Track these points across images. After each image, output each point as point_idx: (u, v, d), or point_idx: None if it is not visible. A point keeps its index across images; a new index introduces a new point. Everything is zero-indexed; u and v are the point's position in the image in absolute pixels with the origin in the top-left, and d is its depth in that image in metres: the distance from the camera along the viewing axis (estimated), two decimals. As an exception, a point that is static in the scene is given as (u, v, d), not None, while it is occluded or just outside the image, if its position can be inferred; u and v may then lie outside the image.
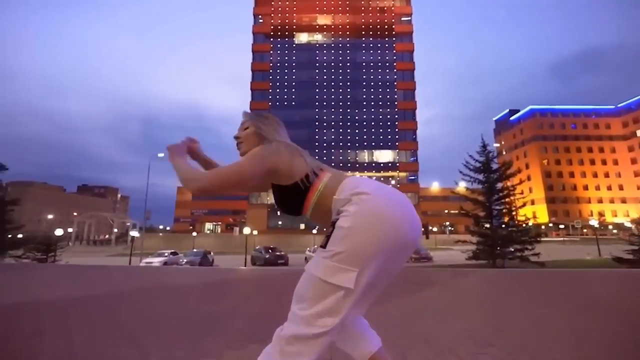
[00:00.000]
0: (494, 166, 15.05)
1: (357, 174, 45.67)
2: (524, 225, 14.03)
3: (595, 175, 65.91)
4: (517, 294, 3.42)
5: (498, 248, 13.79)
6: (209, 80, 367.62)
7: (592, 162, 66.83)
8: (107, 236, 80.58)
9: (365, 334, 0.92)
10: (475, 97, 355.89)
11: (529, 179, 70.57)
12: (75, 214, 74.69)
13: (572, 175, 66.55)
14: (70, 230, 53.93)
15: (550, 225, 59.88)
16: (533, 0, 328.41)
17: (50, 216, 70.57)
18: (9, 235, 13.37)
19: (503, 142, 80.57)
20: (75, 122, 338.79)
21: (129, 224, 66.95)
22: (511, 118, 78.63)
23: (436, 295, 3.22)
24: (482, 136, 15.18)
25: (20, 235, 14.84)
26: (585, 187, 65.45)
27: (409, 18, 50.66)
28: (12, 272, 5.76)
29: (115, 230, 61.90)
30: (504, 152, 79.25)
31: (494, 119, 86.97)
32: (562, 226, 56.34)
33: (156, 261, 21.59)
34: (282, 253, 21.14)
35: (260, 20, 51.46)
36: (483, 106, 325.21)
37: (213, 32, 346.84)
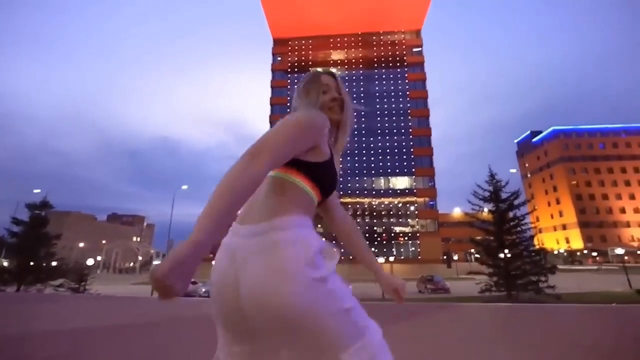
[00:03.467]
0: (504, 195, 15.22)
1: (375, 200, 45.90)
2: (534, 254, 13.85)
3: (632, 197, 61.98)
4: (486, 332, 3.94)
5: (516, 280, 13.64)
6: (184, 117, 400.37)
7: (628, 184, 63.16)
8: (132, 264, 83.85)
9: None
10: (501, 117, 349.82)
11: (558, 202, 67.44)
12: (104, 241, 78.87)
13: (605, 197, 62.97)
14: (99, 258, 56.90)
15: (585, 252, 56.10)
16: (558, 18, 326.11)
17: (81, 244, 74.88)
18: (53, 264, 15.05)
19: (527, 165, 78.36)
20: (77, 157, 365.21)
21: (152, 252, 69.72)
22: (533, 140, 76.91)
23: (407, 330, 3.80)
24: (489, 166, 15.55)
25: (54, 263, 16.48)
26: (623, 210, 61.45)
27: (420, 49, 52.74)
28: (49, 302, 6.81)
29: (140, 258, 64.53)
30: (529, 175, 76.83)
31: (516, 141, 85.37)
32: (594, 253, 52.68)
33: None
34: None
35: (279, 59, 55.40)
36: (510, 124, 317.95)
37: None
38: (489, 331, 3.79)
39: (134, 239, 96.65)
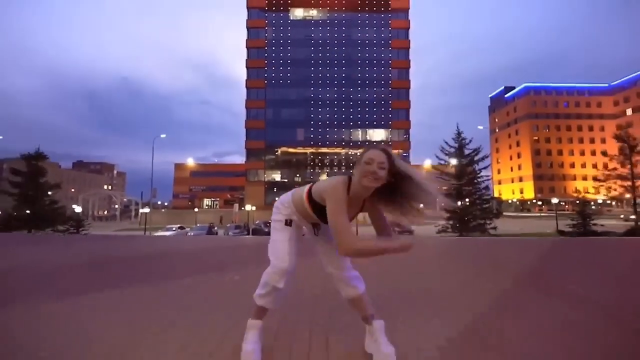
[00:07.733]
0: (467, 151, 17.37)
1: (352, 151, 47.78)
2: (485, 202, 16.59)
3: (582, 153, 68.65)
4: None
5: (468, 223, 16.48)
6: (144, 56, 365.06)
7: (581, 141, 69.32)
8: (105, 212, 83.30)
9: (351, 282, 1.34)
10: (481, 71, 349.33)
11: (519, 156, 73.34)
12: (72, 190, 76.60)
13: (560, 153, 69.29)
14: (74, 207, 56.30)
15: (534, 201, 63.54)
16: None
17: (49, 193, 72.43)
18: (59, 212, 15.82)
19: (497, 120, 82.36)
20: (23, 97, 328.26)
21: (126, 199, 69.52)
22: (506, 95, 79.82)
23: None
24: (457, 125, 17.33)
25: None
26: (572, 165, 68.44)
27: (406, -7, 50.41)
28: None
29: (116, 206, 64.52)
30: (497, 130, 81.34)
31: (490, 95, 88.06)
32: (540, 202, 59.90)
33: (167, 234, 24.32)
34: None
35: (254, -6, 50.83)
36: (490, 78, 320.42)
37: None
38: (434, 252, 5.73)
39: (105, 187, 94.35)
